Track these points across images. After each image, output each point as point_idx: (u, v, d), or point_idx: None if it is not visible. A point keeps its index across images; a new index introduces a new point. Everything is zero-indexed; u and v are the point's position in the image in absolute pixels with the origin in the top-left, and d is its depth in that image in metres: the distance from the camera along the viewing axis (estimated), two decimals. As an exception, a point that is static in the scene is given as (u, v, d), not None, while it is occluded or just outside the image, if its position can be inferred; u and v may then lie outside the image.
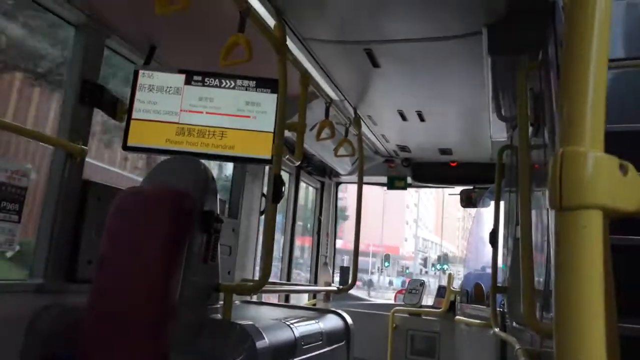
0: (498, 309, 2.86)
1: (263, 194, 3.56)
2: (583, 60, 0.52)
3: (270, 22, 2.20)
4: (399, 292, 4.89)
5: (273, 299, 4.14)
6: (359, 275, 4.38)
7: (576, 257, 0.50)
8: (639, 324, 1.14)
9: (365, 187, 3.95)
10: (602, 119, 0.51)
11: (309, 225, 4.71)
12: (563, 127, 0.52)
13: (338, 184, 5.02)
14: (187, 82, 2.33)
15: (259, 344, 1.88)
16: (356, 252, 3.52)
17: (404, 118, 3.54)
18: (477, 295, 3.74)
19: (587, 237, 0.50)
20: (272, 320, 2.38)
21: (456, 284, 4.38)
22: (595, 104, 0.51)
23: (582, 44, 0.52)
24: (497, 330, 2.73)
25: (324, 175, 4.83)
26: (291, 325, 2.33)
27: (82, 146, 2.11)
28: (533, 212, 1.90)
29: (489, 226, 3.22)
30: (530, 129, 2.14)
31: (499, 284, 2.89)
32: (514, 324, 2.52)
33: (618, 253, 0.97)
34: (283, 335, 2.18)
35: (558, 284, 0.51)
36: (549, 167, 0.52)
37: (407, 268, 47.09)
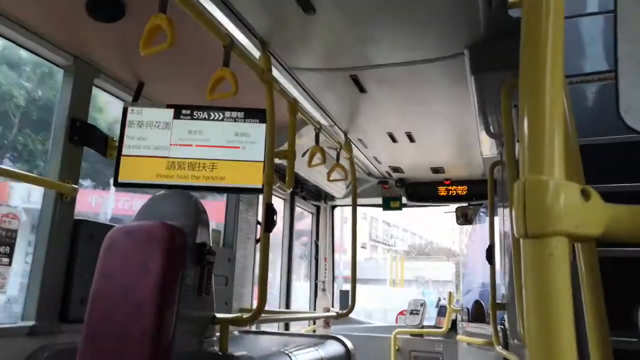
0: (499, 326, 2.84)
1: (258, 222, 3.56)
2: (538, 86, 0.53)
3: (256, 53, 2.24)
4: (400, 313, 4.85)
5: (273, 327, 4.09)
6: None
7: (545, 284, 0.51)
8: (629, 336, 1.14)
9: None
10: (561, 144, 0.53)
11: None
12: (523, 155, 0.53)
13: (333, 207, 5.02)
14: (176, 116, 2.35)
15: None
16: (354, 275, 3.50)
17: (394, 140, 3.57)
18: (477, 313, 3.71)
19: (555, 263, 0.51)
20: (270, 349, 2.36)
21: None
22: (553, 128, 0.52)
23: (536, 66, 0.53)
24: (499, 348, 2.70)
25: (319, 199, 4.83)
26: (290, 354, 2.31)
27: (73, 185, 2.12)
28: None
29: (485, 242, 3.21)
30: (518, 144, 2.16)
31: (498, 301, 2.87)
32: (515, 341, 2.50)
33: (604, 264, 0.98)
34: (282, 365, 2.16)
35: (529, 310, 0.52)
36: (513, 195, 0.53)
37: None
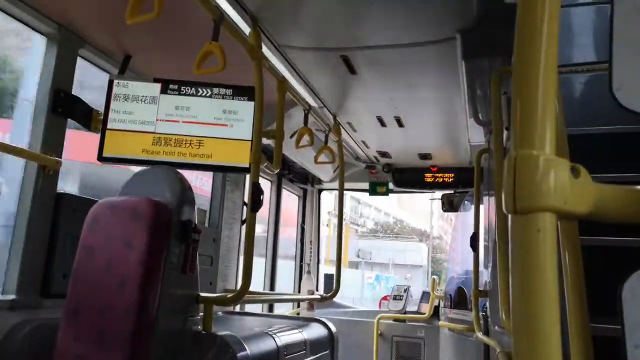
0: (481, 313, 2.88)
1: (244, 203, 3.54)
2: (533, 64, 0.52)
3: (246, 29, 2.20)
4: (384, 298, 4.90)
5: (257, 309, 4.10)
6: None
7: (531, 260, 0.50)
8: (610, 323, 1.15)
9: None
10: (553, 123, 0.52)
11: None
12: (515, 130, 0.52)
13: (320, 191, 5.02)
14: (163, 91, 2.31)
15: (240, 355, 1.86)
16: (339, 259, 3.51)
17: (383, 124, 3.56)
18: (460, 300, 3.75)
19: (542, 240, 0.50)
20: (254, 330, 2.36)
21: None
22: (546, 107, 0.52)
23: (531, 49, 0.53)
24: (479, 334, 2.74)
25: (306, 182, 4.82)
26: (274, 335, 2.31)
27: (56, 158, 2.08)
28: (509, 215, 1.92)
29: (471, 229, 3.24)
30: (506, 132, 2.17)
31: (481, 288, 2.90)
32: (496, 327, 2.53)
33: (588, 254, 0.99)
34: (265, 345, 2.16)
35: (515, 287, 0.51)
36: (504, 170, 0.52)
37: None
